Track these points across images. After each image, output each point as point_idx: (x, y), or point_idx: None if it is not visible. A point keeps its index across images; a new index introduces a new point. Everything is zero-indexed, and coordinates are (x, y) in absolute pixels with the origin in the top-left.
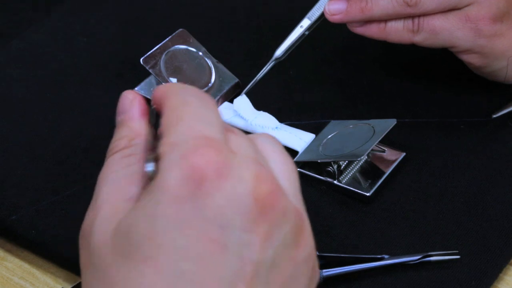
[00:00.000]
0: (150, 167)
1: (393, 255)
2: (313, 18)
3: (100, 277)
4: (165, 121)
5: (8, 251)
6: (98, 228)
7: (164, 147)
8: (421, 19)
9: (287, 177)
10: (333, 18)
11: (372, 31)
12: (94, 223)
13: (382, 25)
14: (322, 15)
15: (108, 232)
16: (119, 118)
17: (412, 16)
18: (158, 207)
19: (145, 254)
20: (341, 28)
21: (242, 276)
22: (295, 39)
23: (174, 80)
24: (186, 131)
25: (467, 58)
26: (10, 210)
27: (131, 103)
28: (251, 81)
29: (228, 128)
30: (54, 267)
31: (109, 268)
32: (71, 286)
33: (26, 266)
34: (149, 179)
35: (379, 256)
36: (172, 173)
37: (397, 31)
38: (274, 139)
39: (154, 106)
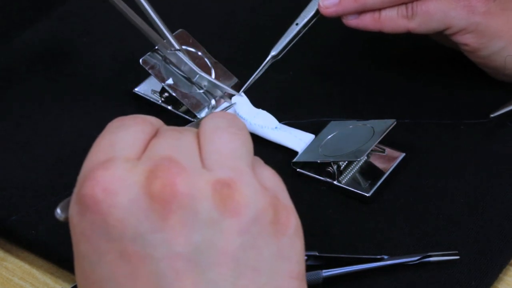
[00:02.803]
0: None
1: (392, 255)
2: (308, 14)
3: None
4: None
5: (8, 251)
6: None
7: None
8: (415, 4)
9: (234, 155)
10: (327, 11)
11: (366, 22)
12: None
13: (376, 14)
14: (317, 11)
15: None
16: None
17: (405, 3)
18: (75, 248)
19: None
20: (341, 28)
21: (175, 272)
22: (291, 37)
23: (170, 81)
24: (85, 166)
25: (462, 39)
26: (10, 211)
27: None
28: (250, 80)
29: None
30: (54, 268)
31: None
32: (71, 286)
33: (26, 266)
34: None
35: (378, 257)
36: (73, 212)
37: (392, 19)
38: (223, 116)
39: None
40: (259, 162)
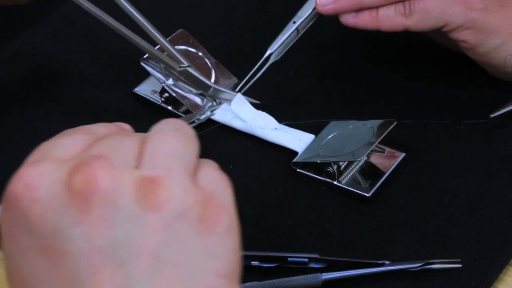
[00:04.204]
0: None
1: (392, 254)
2: (306, 13)
3: None
4: None
5: None
6: None
7: None
8: (412, 1)
9: (169, 155)
10: (324, 9)
11: (364, 20)
12: None
13: (374, 12)
14: (315, 9)
15: None
16: None
17: (402, 1)
18: (3, 248)
19: None
20: (340, 28)
21: (93, 267)
22: (288, 35)
23: (170, 81)
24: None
25: (460, 35)
26: None
27: None
28: (250, 81)
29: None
30: None
31: None
32: None
33: None
34: None
35: (379, 262)
36: (1, 210)
37: (390, 17)
38: (171, 122)
39: None
40: (207, 164)
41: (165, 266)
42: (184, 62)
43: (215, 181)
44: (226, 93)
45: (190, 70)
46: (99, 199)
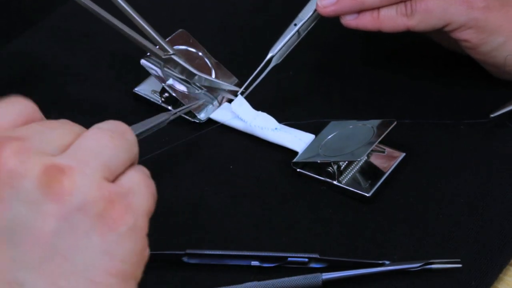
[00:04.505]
0: None
1: (392, 254)
2: (307, 15)
3: None
4: None
5: None
6: None
7: None
8: (413, 1)
9: (91, 150)
10: (325, 11)
11: (365, 21)
12: None
13: (375, 13)
14: (316, 11)
15: None
16: None
17: (404, 1)
18: None
19: None
20: (341, 28)
21: None
22: (288, 38)
23: (171, 81)
24: None
25: (462, 35)
26: None
27: None
28: (252, 85)
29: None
30: None
31: None
32: None
33: None
34: None
35: (379, 262)
36: None
37: (391, 18)
38: (112, 122)
39: None
40: (137, 168)
41: (55, 256)
42: (169, 50)
43: (135, 183)
44: (214, 81)
45: (175, 57)
46: (0, 178)
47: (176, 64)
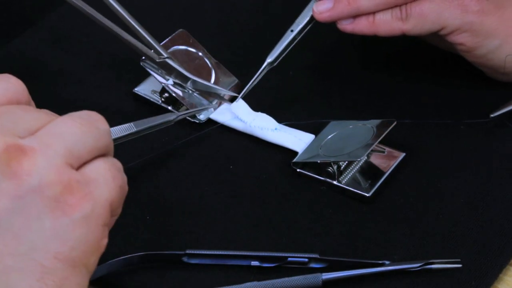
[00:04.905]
0: None
1: (392, 254)
2: (303, 21)
3: None
4: None
5: None
6: None
7: None
8: (408, 5)
9: (58, 135)
10: (321, 16)
11: (361, 25)
12: None
13: (370, 18)
14: (312, 17)
15: None
16: None
17: (399, 5)
18: None
19: None
20: (339, 30)
21: None
22: (286, 44)
23: (171, 81)
24: None
25: (457, 38)
26: None
27: None
28: (250, 81)
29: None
30: None
31: None
32: None
33: None
34: None
35: (379, 262)
36: None
37: (386, 22)
38: (86, 112)
39: None
40: (107, 160)
41: (6, 234)
42: (164, 54)
43: (100, 174)
44: (209, 85)
45: (169, 61)
46: None
47: (171, 67)
